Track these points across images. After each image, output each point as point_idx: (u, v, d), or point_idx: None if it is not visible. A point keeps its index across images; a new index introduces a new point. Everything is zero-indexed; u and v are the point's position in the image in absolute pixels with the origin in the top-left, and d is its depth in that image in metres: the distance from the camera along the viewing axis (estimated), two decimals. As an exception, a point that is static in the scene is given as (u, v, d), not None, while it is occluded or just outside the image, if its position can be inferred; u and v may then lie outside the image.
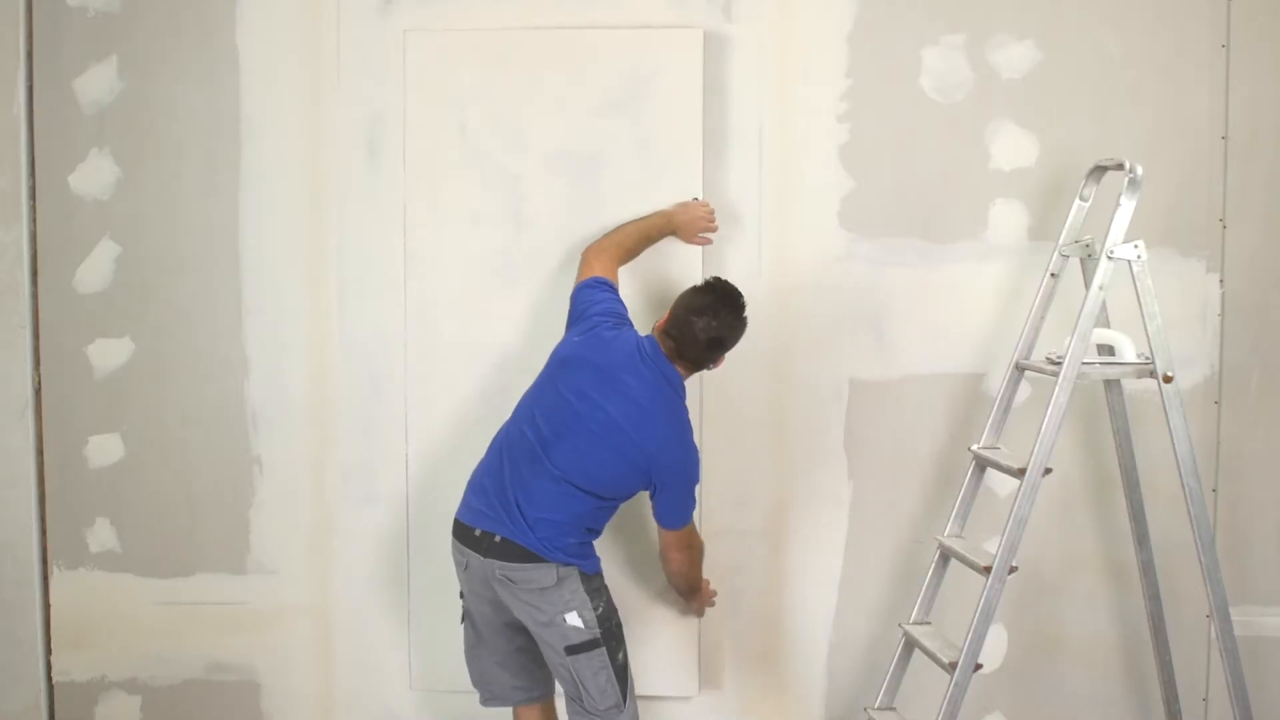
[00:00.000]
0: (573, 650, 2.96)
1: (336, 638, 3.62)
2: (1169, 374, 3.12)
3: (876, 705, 3.33)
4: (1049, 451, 3.07)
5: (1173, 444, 3.15)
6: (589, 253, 3.25)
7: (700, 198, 3.37)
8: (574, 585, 2.96)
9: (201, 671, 3.63)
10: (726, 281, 3.08)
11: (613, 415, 2.94)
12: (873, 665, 3.55)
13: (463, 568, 3.05)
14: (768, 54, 3.48)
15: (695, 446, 3.07)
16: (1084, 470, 3.56)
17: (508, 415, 3.13)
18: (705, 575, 3.36)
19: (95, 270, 3.56)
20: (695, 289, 3.06)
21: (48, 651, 3.63)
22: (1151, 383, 3.20)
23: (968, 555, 3.17)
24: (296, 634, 3.62)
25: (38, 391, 3.58)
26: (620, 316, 3.12)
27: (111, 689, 3.64)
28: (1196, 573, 3.22)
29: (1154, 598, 3.46)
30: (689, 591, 3.31)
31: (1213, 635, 3.26)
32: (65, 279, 3.56)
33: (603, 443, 2.94)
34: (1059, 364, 3.11)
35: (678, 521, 3.09)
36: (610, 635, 3.00)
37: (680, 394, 3.03)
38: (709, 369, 3.09)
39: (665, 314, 3.06)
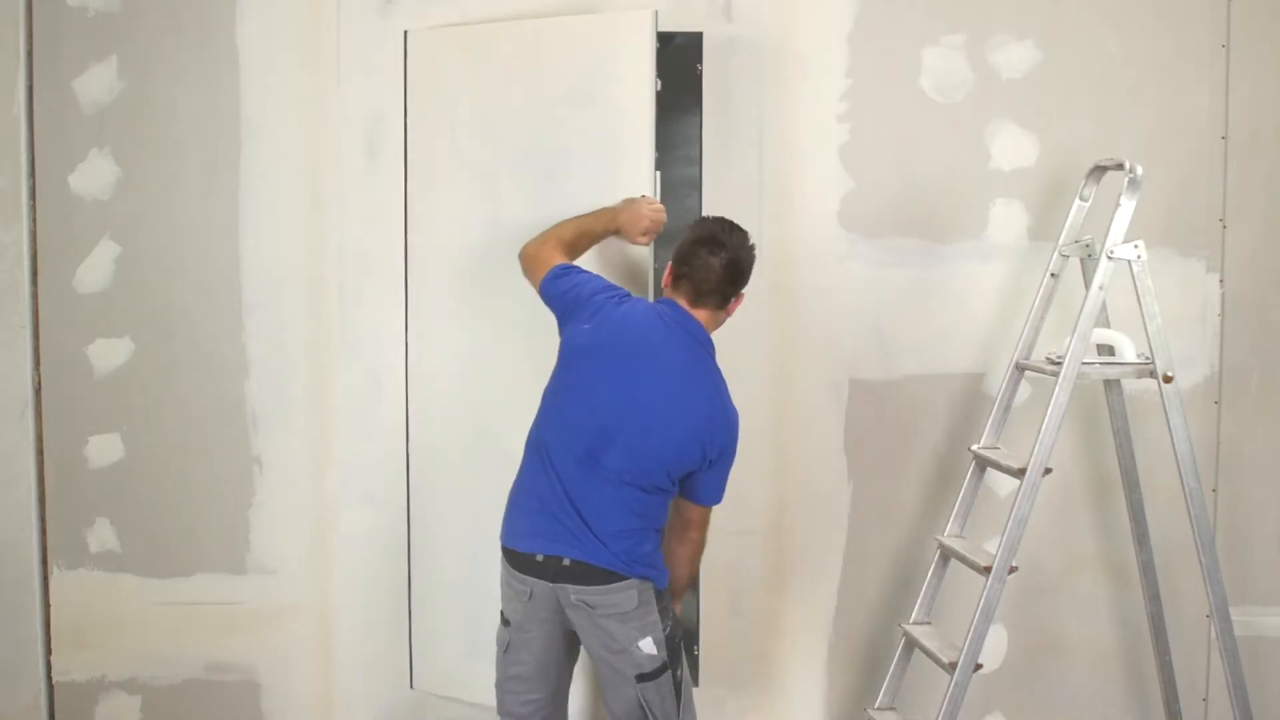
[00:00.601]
0: (644, 678, 2.75)
1: (336, 638, 3.62)
2: (1169, 374, 3.12)
3: (876, 705, 3.33)
4: (1049, 451, 3.07)
5: (1173, 444, 3.15)
6: (532, 248, 2.99)
7: (649, 194, 3.12)
8: (651, 606, 2.74)
9: (201, 671, 3.63)
10: (718, 216, 2.88)
11: (655, 399, 2.70)
12: (873, 665, 3.55)
13: (525, 598, 2.79)
14: (767, 54, 3.48)
15: (735, 407, 2.83)
16: (1084, 470, 3.56)
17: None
18: (705, 582, 3.34)
19: (95, 270, 3.55)
20: (690, 228, 2.84)
21: (48, 651, 3.63)
22: (1151, 383, 3.20)
23: (968, 555, 3.17)
24: (296, 634, 3.62)
25: (38, 391, 3.58)
26: (616, 288, 2.88)
27: (111, 689, 3.64)
28: (1196, 573, 3.22)
29: (1154, 598, 3.46)
30: (690, 578, 3.02)
31: (1213, 635, 3.26)
32: (65, 279, 3.56)
33: (654, 433, 2.69)
34: (1059, 364, 3.11)
35: (720, 495, 2.85)
36: (674, 653, 2.80)
37: (711, 352, 2.81)
38: (729, 310, 2.84)
39: (666, 271, 2.84)
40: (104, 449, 3.59)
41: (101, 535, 3.60)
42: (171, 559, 3.61)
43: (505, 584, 2.87)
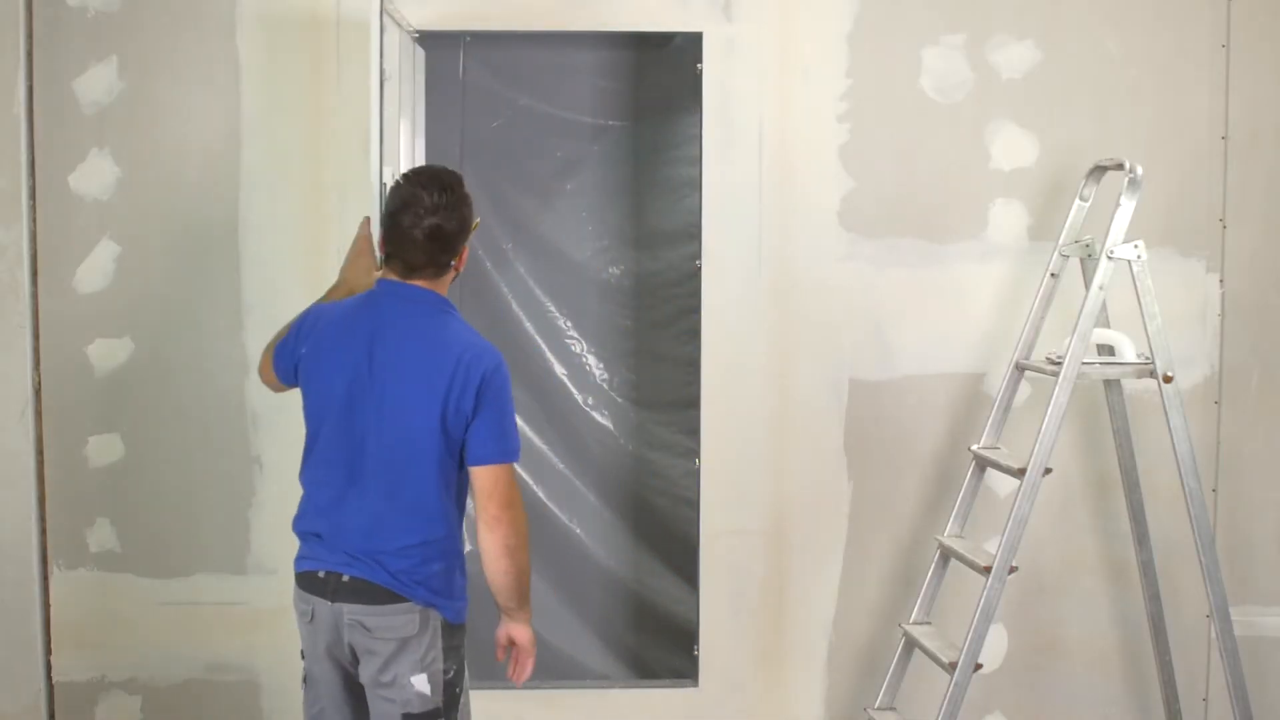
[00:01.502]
0: (411, 719, 2.48)
1: (336, 638, 3.62)
2: (1169, 374, 3.12)
3: (876, 705, 3.33)
4: (1049, 451, 3.07)
5: (1173, 444, 3.15)
6: (262, 362, 2.81)
7: (368, 215, 2.97)
8: (434, 640, 2.49)
9: (201, 671, 3.63)
10: (424, 166, 2.63)
11: (389, 368, 2.47)
12: (873, 665, 3.55)
13: (307, 619, 2.60)
14: (768, 54, 3.48)
15: (493, 346, 2.53)
16: (1084, 470, 3.56)
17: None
18: (705, 582, 3.32)
19: (95, 270, 3.55)
20: (392, 189, 2.52)
21: (48, 651, 3.62)
22: (1151, 383, 3.20)
23: (968, 555, 3.17)
24: (296, 634, 3.61)
25: (38, 391, 3.58)
26: (317, 304, 2.72)
27: (111, 689, 3.63)
28: (1196, 573, 3.22)
29: (1154, 598, 3.46)
30: (514, 575, 2.51)
31: (1213, 635, 3.26)
32: (65, 279, 3.56)
33: (402, 397, 2.45)
34: (1059, 364, 3.11)
35: (506, 449, 2.47)
36: (450, 702, 2.53)
37: (442, 307, 2.53)
38: (458, 268, 2.56)
39: (379, 243, 2.59)
40: (104, 449, 3.59)
41: (101, 535, 3.60)
42: (171, 559, 3.60)
43: (296, 607, 2.67)
